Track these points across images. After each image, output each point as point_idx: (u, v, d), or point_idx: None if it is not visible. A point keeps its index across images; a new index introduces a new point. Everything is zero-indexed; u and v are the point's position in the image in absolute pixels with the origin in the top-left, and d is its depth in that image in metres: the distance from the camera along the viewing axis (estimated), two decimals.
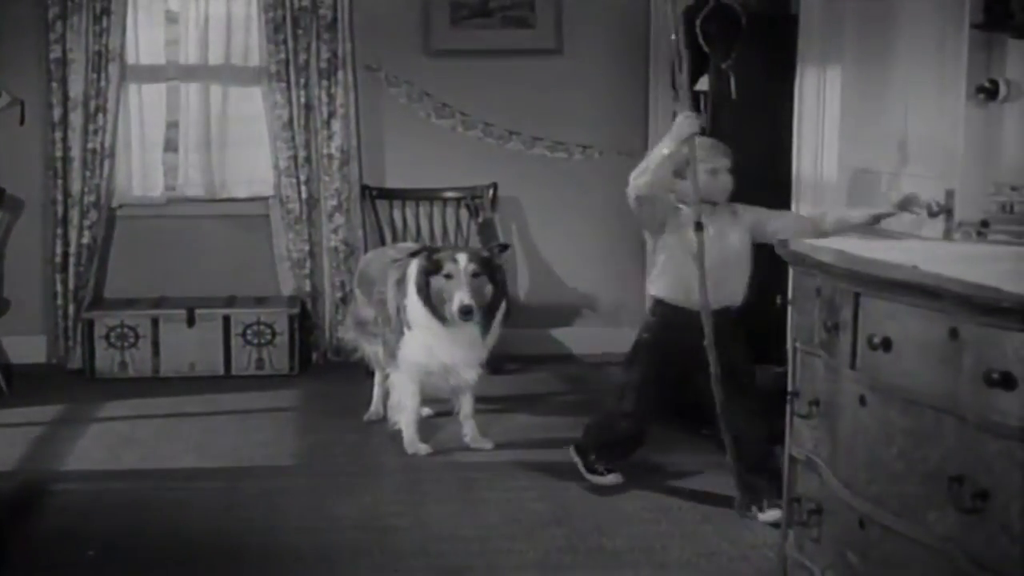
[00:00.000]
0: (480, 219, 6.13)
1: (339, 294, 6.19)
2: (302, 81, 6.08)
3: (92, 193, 6.03)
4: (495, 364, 5.37)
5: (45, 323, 6.19)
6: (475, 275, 4.47)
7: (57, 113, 5.96)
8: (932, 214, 3.46)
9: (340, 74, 6.09)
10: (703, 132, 4.07)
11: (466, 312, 4.40)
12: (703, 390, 3.93)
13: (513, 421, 5.16)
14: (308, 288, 6.22)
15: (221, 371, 5.92)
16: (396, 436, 4.70)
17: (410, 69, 6.25)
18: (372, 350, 5.06)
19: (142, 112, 6.17)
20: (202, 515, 3.99)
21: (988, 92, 3.50)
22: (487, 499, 4.14)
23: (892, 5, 4.17)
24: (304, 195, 6.16)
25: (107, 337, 5.86)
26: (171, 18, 6.18)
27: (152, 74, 6.16)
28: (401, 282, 4.63)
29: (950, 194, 3.43)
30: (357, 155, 6.19)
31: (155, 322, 5.89)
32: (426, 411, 4.93)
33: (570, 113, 6.34)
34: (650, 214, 4.00)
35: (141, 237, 6.25)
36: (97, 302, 6.11)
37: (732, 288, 3.99)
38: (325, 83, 6.08)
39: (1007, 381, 2.13)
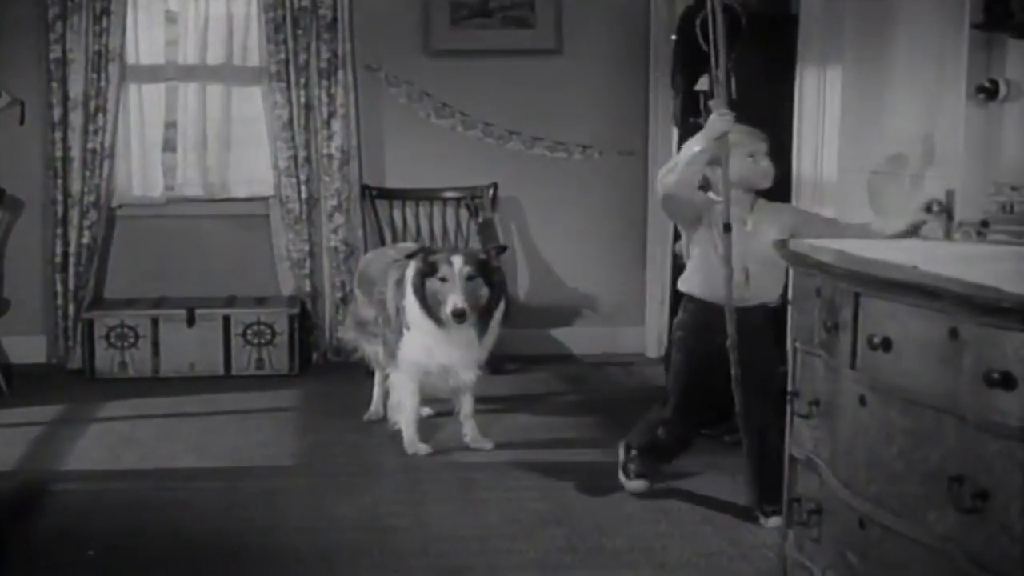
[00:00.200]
0: (480, 219, 6.13)
1: (339, 294, 6.19)
2: (302, 81, 6.08)
3: (92, 193, 6.03)
4: (495, 364, 5.37)
5: (45, 323, 6.19)
6: (470, 278, 4.46)
7: (57, 113, 5.97)
8: (931, 212, 3.46)
9: (340, 74, 6.09)
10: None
11: (459, 315, 4.39)
12: (727, 391, 3.86)
13: (513, 421, 5.16)
14: (308, 288, 6.22)
15: (221, 371, 5.92)
16: (396, 436, 4.70)
17: (410, 69, 6.25)
18: (372, 350, 5.06)
19: (142, 112, 6.17)
20: (202, 515, 3.99)
21: (988, 92, 3.50)
22: (487, 499, 4.14)
23: (892, 5, 4.16)
24: (304, 195, 6.16)
25: (107, 337, 5.87)
26: (171, 18, 6.18)
27: (152, 74, 6.16)
28: (400, 282, 4.62)
29: (950, 194, 3.43)
30: (357, 155, 6.20)
31: (155, 322, 5.89)
32: (426, 411, 4.94)
33: (570, 113, 6.34)
34: (680, 210, 3.95)
35: (141, 237, 6.25)
36: (97, 302, 6.11)
37: (767, 285, 3.91)
38: (325, 83, 6.08)
39: (1007, 381, 2.12)
